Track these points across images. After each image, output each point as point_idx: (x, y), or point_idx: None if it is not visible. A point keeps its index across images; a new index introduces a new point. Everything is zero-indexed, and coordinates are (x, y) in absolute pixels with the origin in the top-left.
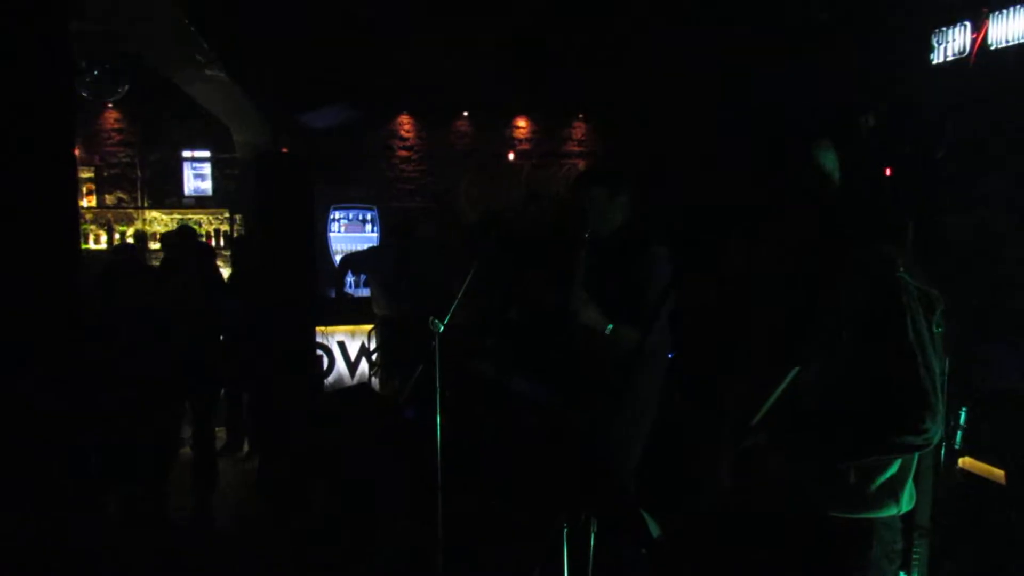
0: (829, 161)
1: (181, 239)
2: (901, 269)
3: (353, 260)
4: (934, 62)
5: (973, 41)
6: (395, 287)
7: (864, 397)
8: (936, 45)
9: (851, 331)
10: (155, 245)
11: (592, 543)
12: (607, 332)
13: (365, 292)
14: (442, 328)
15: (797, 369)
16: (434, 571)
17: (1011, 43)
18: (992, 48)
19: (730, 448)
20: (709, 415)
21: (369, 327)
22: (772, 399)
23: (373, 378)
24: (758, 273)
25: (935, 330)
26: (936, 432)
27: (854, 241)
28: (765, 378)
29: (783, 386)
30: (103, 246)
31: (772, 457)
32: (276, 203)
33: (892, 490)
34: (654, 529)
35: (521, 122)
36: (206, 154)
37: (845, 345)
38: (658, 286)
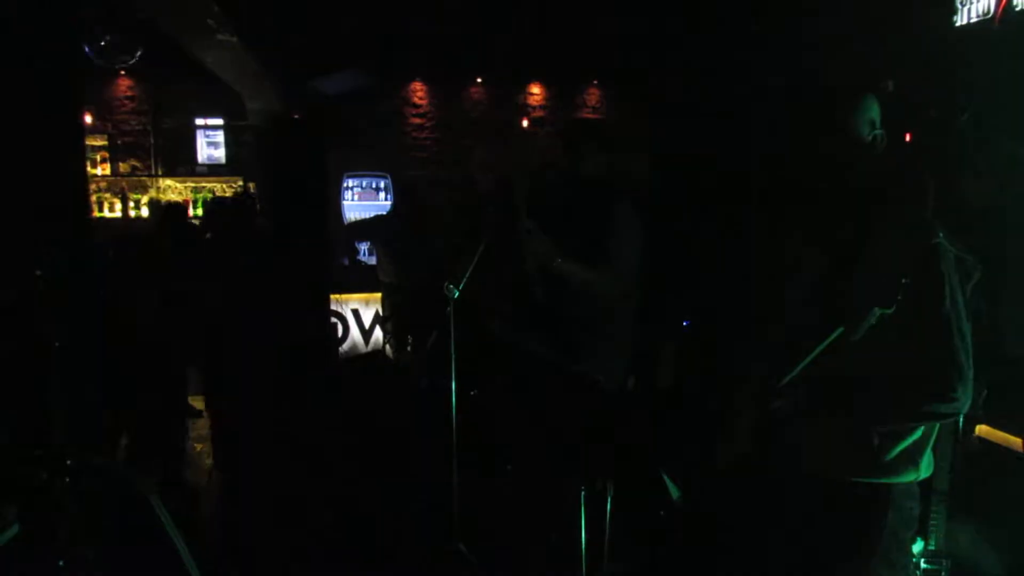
0: (875, 112)
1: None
2: (940, 235)
3: (357, 228)
4: (957, 24)
5: (998, 2)
6: (401, 254)
7: (896, 363)
8: (959, 6)
9: (889, 295)
10: None
11: (609, 508)
12: (556, 264)
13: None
14: (456, 294)
15: (841, 330)
16: (450, 538)
17: None
18: (1018, 8)
19: (751, 411)
20: (731, 378)
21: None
22: (807, 361)
23: (387, 346)
24: (798, 234)
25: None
26: (966, 402)
27: (892, 203)
28: (799, 340)
29: (821, 347)
30: (117, 214)
31: (795, 420)
32: (290, 171)
33: (912, 456)
34: (674, 492)
35: (535, 88)
36: (219, 122)
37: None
38: (620, 239)
